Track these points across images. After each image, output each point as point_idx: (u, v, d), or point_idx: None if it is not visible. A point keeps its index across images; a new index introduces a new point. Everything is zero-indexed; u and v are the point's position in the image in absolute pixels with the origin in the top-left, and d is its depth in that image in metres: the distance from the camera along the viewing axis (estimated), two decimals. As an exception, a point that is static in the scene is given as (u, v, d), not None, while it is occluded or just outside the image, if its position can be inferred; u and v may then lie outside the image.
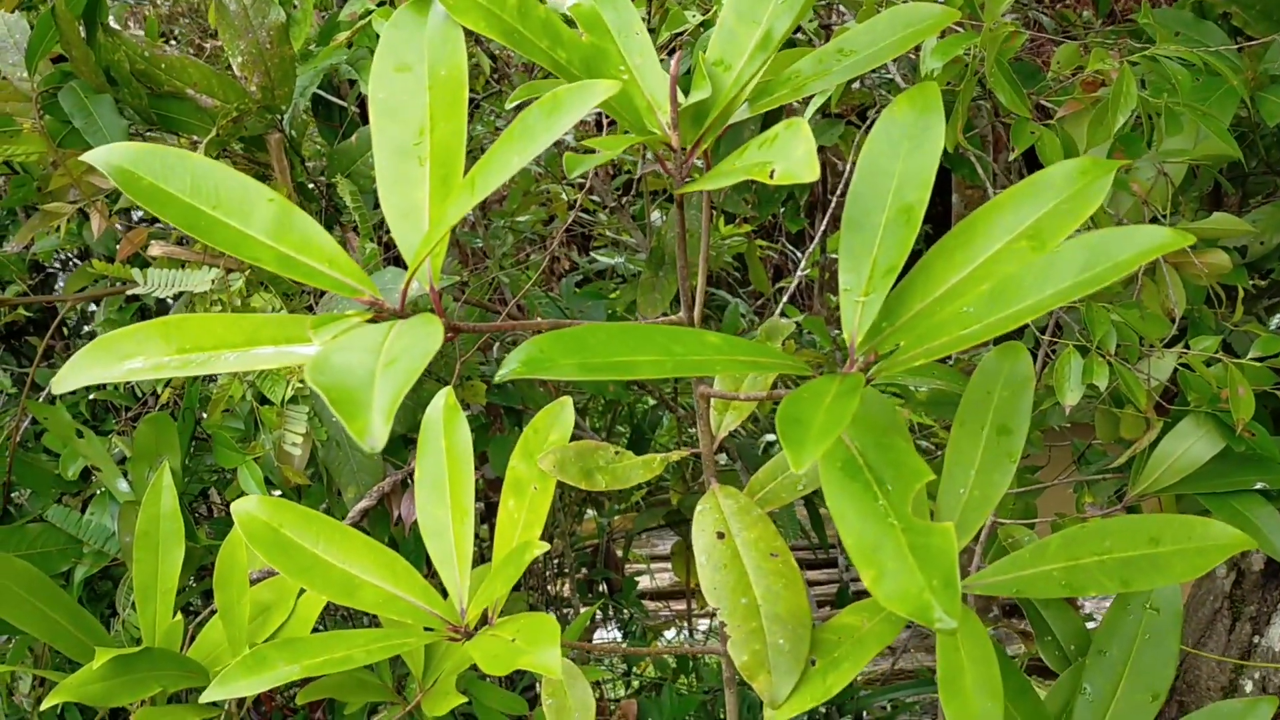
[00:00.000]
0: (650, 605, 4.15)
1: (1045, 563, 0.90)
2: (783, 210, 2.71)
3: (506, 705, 1.80)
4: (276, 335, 0.71)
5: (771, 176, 0.69)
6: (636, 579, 3.42)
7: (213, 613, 1.49)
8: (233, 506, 0.99)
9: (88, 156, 0.75)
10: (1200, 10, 1.74)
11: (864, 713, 3.09)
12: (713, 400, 1.04)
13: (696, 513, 0.94)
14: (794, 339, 2.98)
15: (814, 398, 0.65)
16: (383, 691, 1.61)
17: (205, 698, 0.85)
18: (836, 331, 2.56)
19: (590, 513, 3.35)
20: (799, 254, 3.60)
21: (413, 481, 1.80)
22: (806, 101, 1.65)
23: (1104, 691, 1.06)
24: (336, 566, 0.98)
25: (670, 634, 3.96)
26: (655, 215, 2.91)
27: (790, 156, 0.70)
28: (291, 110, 1.80)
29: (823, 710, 2.97)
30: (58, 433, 1.79)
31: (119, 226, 1.84)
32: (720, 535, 0.92)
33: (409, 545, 1.93)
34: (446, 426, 1.03)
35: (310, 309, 1.74)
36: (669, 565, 3.47)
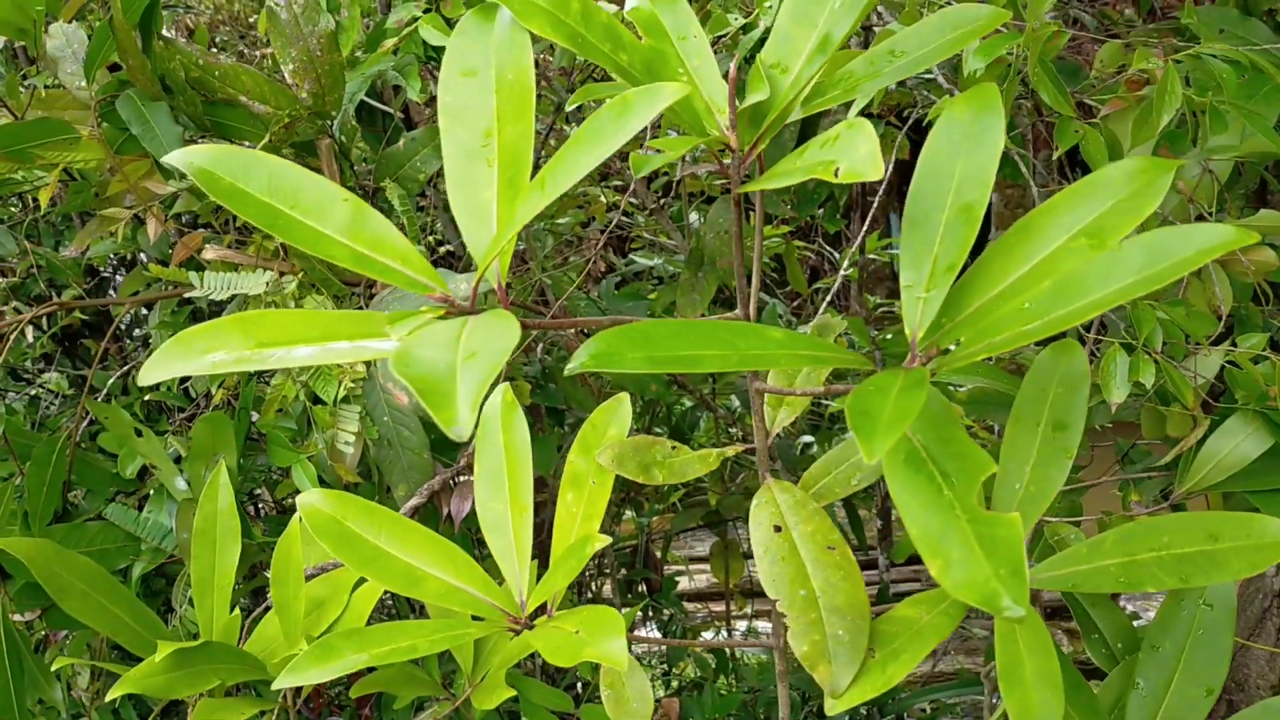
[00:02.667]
0: (689, 606, 4.16)
1: (1101, 558, 0.91)
2: (821, 211, 2.72)
3: (553, 702, 1.81)
4: (352, 331, 0.74)
5: (836, 175, 0.70)
6: (675, 579, 3.43)
7: (267, 608, 1.51)
8: (298, 500, 1.01)
9: (168, 159, 0.77)
10: (1245, 7, 1.74)
11: (905, 714, 3.09)
12: (766, 396, 1.06)
13: (753, 506, 0.95)
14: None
15: (880, 392, 0.67)
16: (432, 687, 1.63)
17: (278, 684, 0.87)
18: (875, 332, 2.57)
19: (629, 513, 3.36)
20: (836, 255, 3.60)
21: (459, 480, 1.83)
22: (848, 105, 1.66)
23: (1157, 686, 1.06)
24: (399, 558, 1.00)
25: (709, 635, 3.97)
26: (694, 217, 2.92)
27: (854, 155, 0.71)
28: (341, 116, 1.83)
29: (864, 711, 2.97)
30: (117, 432, 1.83)
31: (174, 231, 1.88)
32: (777, 529, 0.93)
33: (458, 543, 1.95)
34: (504, 422, 1.05)
35: (360, 310, 1.76)
36: (707, 567, 3.48)
